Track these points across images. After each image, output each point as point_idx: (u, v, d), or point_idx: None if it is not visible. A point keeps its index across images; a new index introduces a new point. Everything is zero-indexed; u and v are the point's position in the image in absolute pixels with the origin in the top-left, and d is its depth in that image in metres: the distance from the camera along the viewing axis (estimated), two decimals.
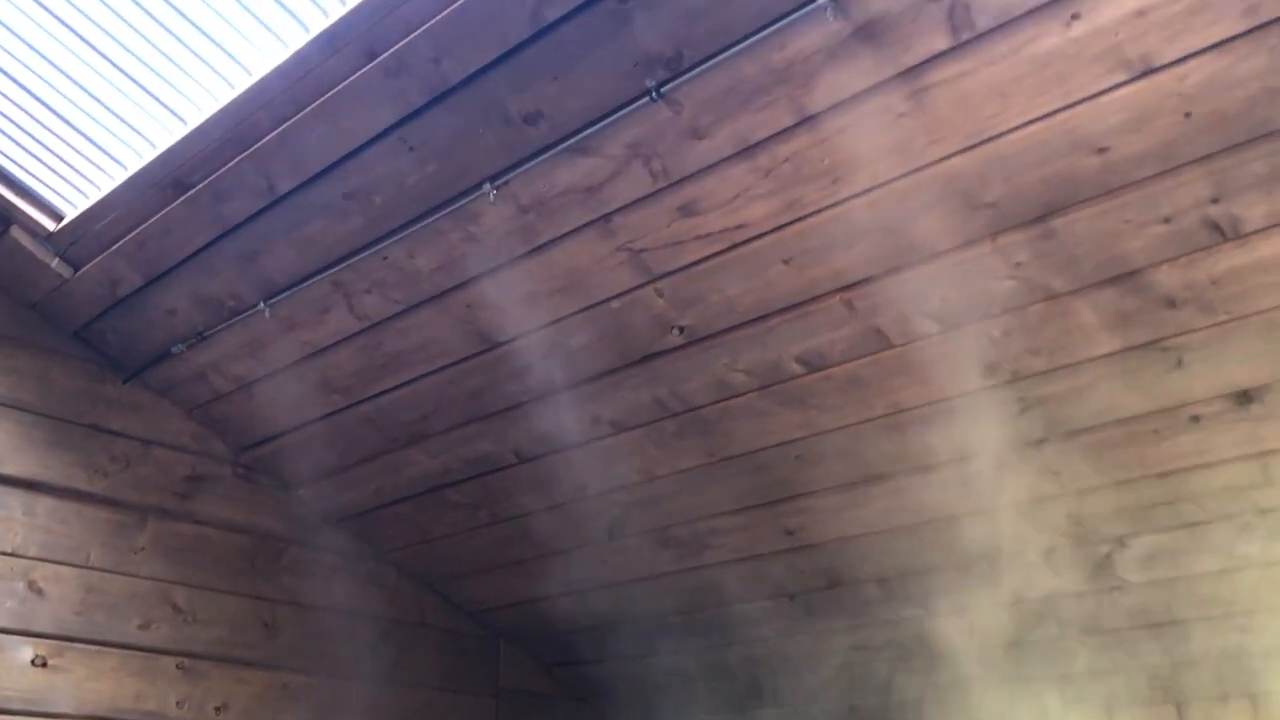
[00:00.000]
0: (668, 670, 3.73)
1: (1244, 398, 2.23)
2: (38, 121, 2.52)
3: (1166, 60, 1.78)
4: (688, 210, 2.24)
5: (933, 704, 3.35)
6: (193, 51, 2.27)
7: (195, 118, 2.41)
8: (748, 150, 2.10)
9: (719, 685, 3.73)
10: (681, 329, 2.51)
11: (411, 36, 2.06)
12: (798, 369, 2.52)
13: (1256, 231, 1.95)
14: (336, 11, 2.10)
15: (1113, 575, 2.74)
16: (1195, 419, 2.31)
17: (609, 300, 2.50)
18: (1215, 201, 1.93)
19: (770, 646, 3.48)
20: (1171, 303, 2.11)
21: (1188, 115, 1.83)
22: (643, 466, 2.97)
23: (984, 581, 2.88)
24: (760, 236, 2.25)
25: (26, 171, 2.67)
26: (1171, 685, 2.97)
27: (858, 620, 3.21)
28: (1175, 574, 2.67)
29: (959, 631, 3.06)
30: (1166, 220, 1.98)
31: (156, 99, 2.40)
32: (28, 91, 2.45)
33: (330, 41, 2.14)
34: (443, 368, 2.82)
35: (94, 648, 2.96)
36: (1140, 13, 1.73)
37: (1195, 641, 2.82)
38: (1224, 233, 1.97)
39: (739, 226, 2.24)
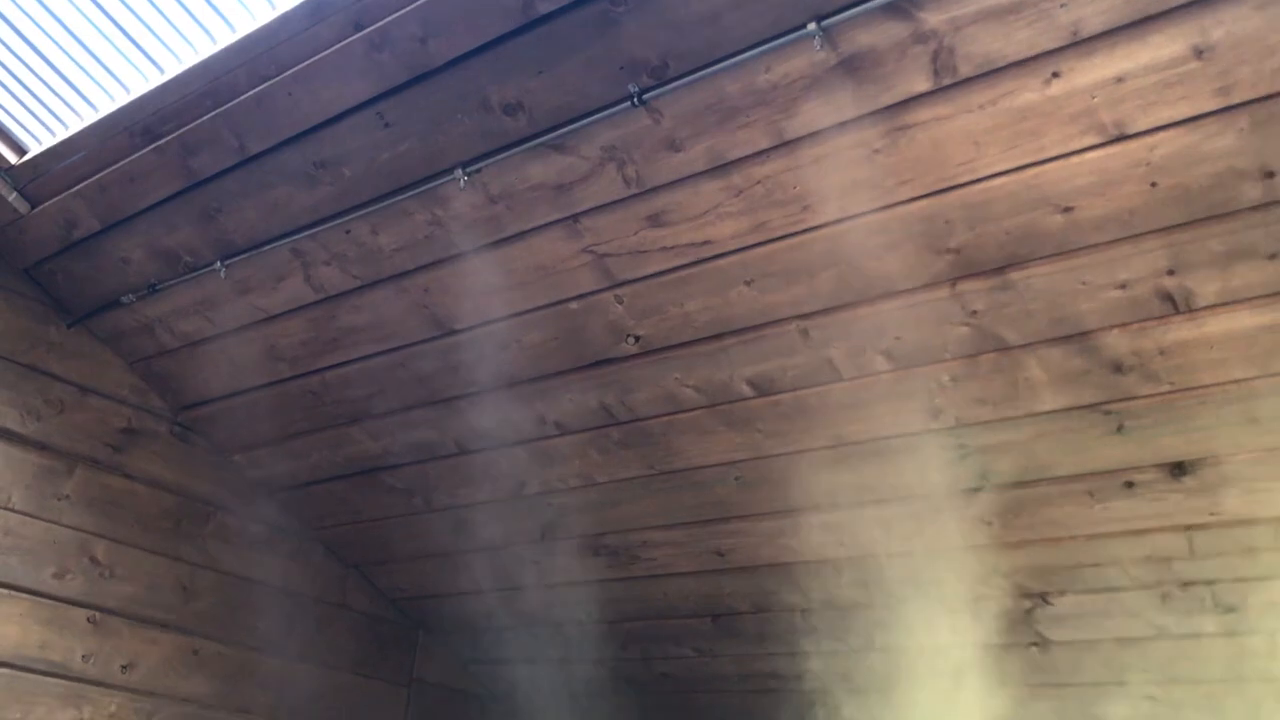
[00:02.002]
0: (584, 678, 3.72)
1: (1178, 469, 2.27)
2: (10, 51, 2.48)
3: (1138, 129, 1.81)
4: (656, 220, 2.25)
5: None
6: (178, 1, 2.25)
7: (173, 68, 2.38)
8: (722, 168, 2.10)
9: (634, 698, 3.73)
10: (637, 338, 2.51)
11: (400, 13, 2.05)
12: (747, 391, 2.53)
13: (1207, 307, 1.99)
14: None
15: (1032, 631, 2.77)
16: (1129, 485, 2.34)
17: (568, 301, 2.50)
18: (1171, 273, 1.97)
19: (689, 664, 3.48)
20: (1119, 368, 2.14)
21: (1153, 185, 1.86)
22: (583, 471, 2.97)
23: (905, 622, 2.89)
24: (725, 255, 2.26)
25: None
26: None
27: (777, 648, 3.22)
28: (1093, 636, 2.71)
29: (874, 670, 3.07)
30: (1122, 286, 2.01)
31: (136, 44, 2.38)
32: (3, 19, 2.42)
33: (318, 8, 2.12)
34: (393, 349, 2.80)
35: (4, 591, 2.90)
36: (1119, 79, 1.76)
37: (1104, 705, 2.86)
38: (1176, 305, 2.00)
39: (705, 243, 2.25)
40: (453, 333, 2.69)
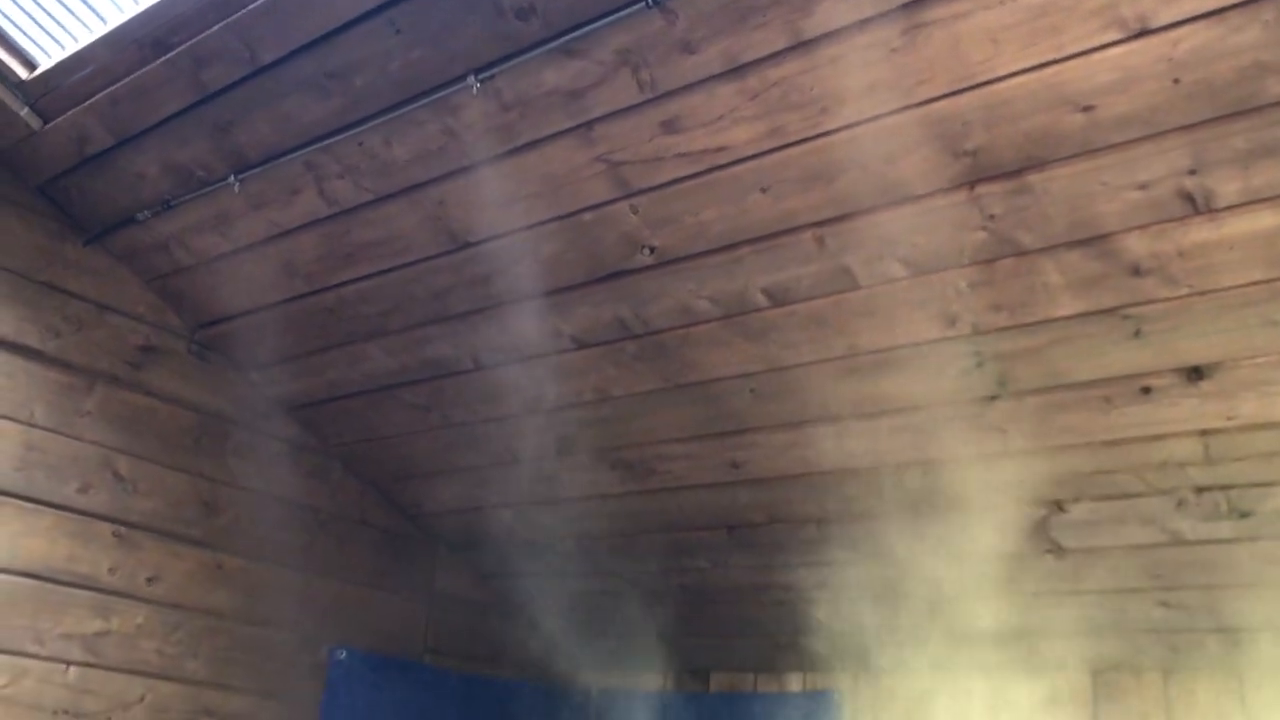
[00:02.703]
0: (601, 591, 3.77)
1: (1195, 374, 2.26)
2: None
3: (1161, 23, 1.78)
4: (671, 126, 2.22)
5: (858, 648, 3.41)
6: None
7: None
8: (737, 70, 2.08)
9: (651, 610, 3.77)
10: (652, 249, 2.51)
11: None
12: (762, 301, 2.52)
13: (1228, 207, 1.97)
14: None
15: (1047, 538, 2.78)
16: (1146, 390, 2.34)
17: (582, 211, 2.49)
18: (1192, 173, 1.94)
19: (704, 576, 3.52)
20: (1137, 271, 2.12)
21: (1176, 81, 1.83)
22: (599, 385, 2.98)
23: (919, 532, 2.92)
24: (740, 161, 2.24)
25: (2, 14, 2.61)
26: (1089, 652, 3.04)
27: (792, 559, 3.25)
28: (1107, 543, 2.72)
29: (888, 579, 3.10)
30: (1142, 187, 1.99)
31: None
32: None
33: None
34: (408, 264, 2.80)
35: (30, 505, 2.95)
36: None
37: (1117, 612, 2.88)
38: (1196, 205, 1.98)
39: (720, 149, 2.23)
40: (467, 246, 2.69)
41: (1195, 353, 2.23)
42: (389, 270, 2.84)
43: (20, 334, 2.97)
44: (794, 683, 3.72)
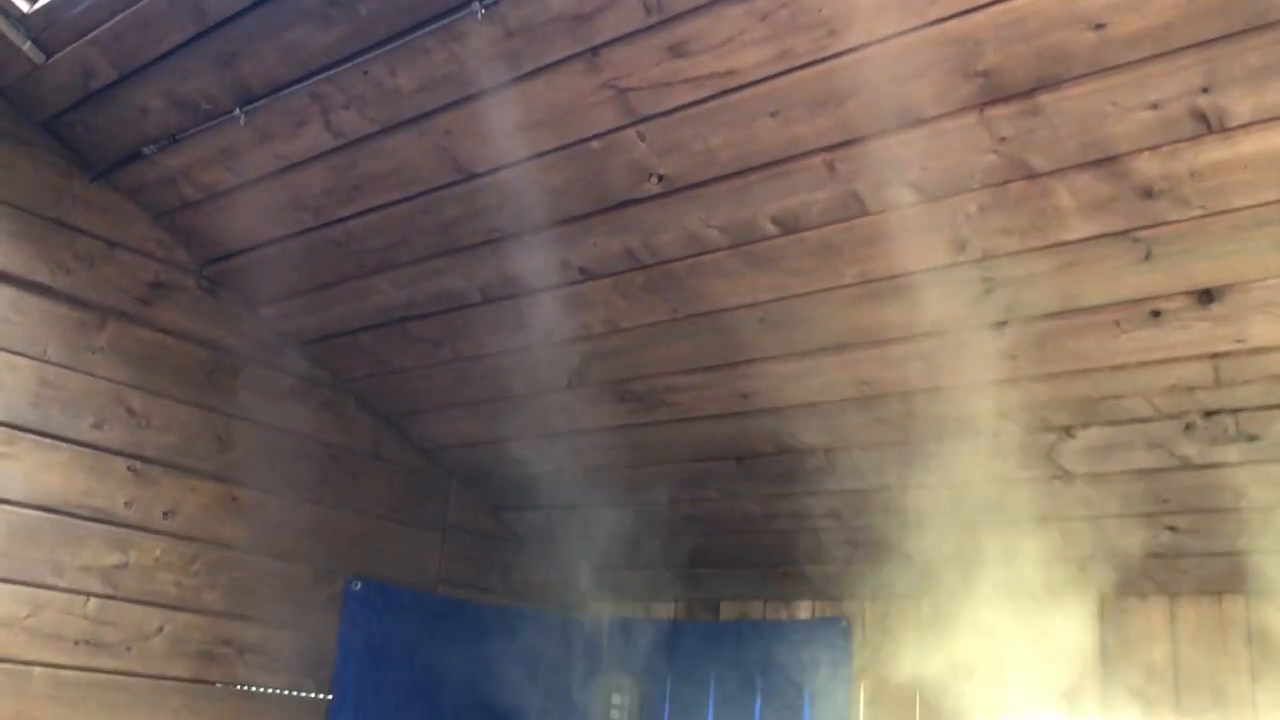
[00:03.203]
0: (611, 522, 3.80)
1: (1206, 296, 2.26)
2: None
3: None
4: (678, 51, 2.20)
5: (866, 575, 3.44)
6: None
7: None
8: None
9: (661, 540, 3.81)
10: (660, 177, 2.49)
11: None
12: (772, 229, 2.51)
13: (1241, 126, 1.95)
14: None
15: (1055, 465, 2.80)
16: (1156, 314, 2.33)
17: (589, 140, 2.47)
18: (1205, 91, 1.92)
19: (713, 506, 3.55)
20: (1148, 192, 2.11)
21: None
22: (607, 317, 2.98)
23: (928, 460, 2.93)
24: (749, 86, 2.22)
25: None
26: (1097, 577, 3.07)
27: (801, 488, 3.28)
28: (1115, 468, 2.74)
29: (897, 507, 3.12)
30: (1154, 106, 1.97)
31: None
32: None
33: None
34: (415, 195, 2.79)
35: (46, 440, 2.98)
36: None
37: (1124, 536, 2.91)
38: (1209, 124, 1.96)
39: (728, 73, 2.21)
40: (473, 177, 2.68)
41: (1206, 275, 2.23)
42: (396, 202, 2.84)
43: (31, 271, 2.98)
44: (803, 610, 3.77)
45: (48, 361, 3.00)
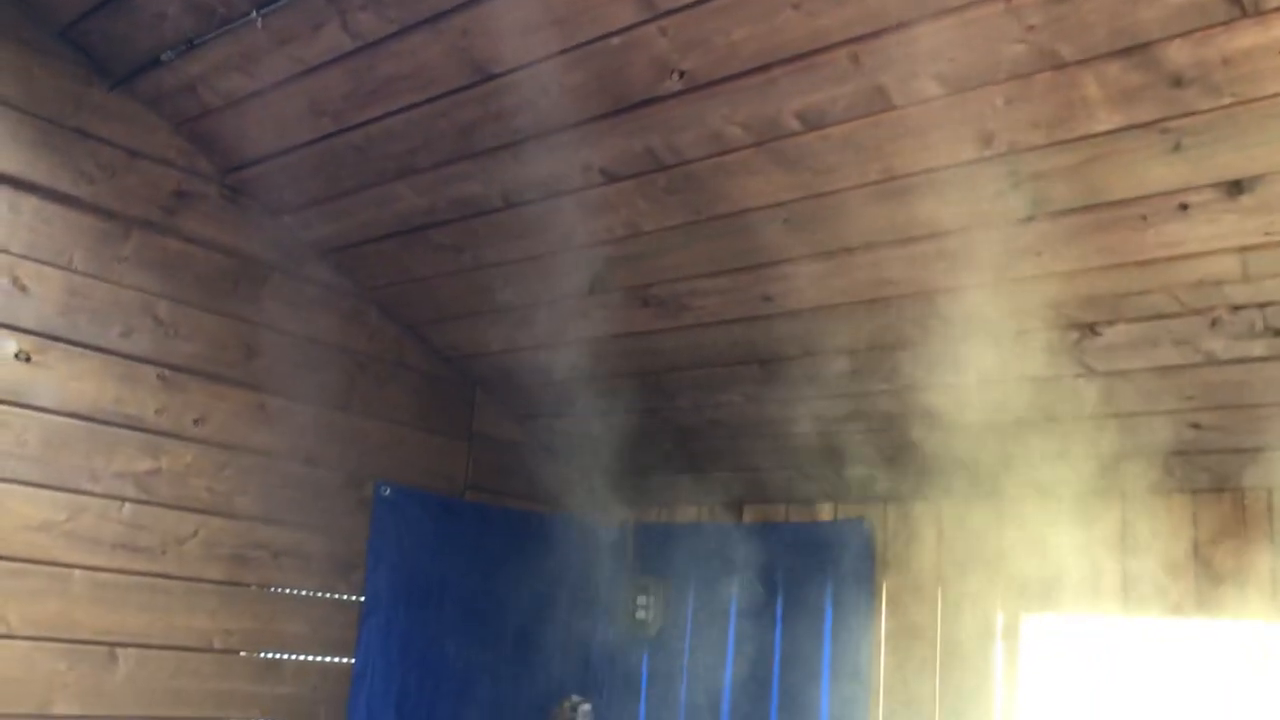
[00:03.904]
0: (636, 428, 3.83)
1: (1235, 188, 2.23)
2: None
3: None
4: None
5: (888, 477, 3.47)
6: None
7: None
8: None
9: (683, 445, 3.85)
10: (681, 74, 2.46)
11: None
12: (796, 126, 2.49)
13: (1277, 9, 1.90)
14: None
15: (1080, 362, 2.79)
16: (1184, 207, 2.31)
17: (609, 36, 2.43)
18: None
19: (737, 410, 3.57)
20: (1178, 81, 2.07)
21: None
22: (629, 220, 2.97)
23: (952, 360, 2.93)
24: None
25: None
26: (1120, 475, 3.08)
27: (824, 391, 3.29)
28: (1140, 365, 2.73)
29: (919, 408, 3.13)
30: None
31: None
32: None
33: None
34: (434, 98, 2.77)
35: (76, 349, 3.01)
36: None
37: (1148, 434, 2.91)
38: (1243, 7, 1.92)
39: None
40: (492, 77, 2.65)
41: (1236, 166, 2.20)
42: (415, 105, 2.81)
43: (54, 180, 2.99)
44: (825, 512, 3.81)
45: (74, 271, 3.02)
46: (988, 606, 3.36)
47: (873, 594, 3.60)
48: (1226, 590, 2.96)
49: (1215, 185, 2.25)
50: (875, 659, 3.56)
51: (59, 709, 2.92)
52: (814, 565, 3.70)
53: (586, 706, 3.14)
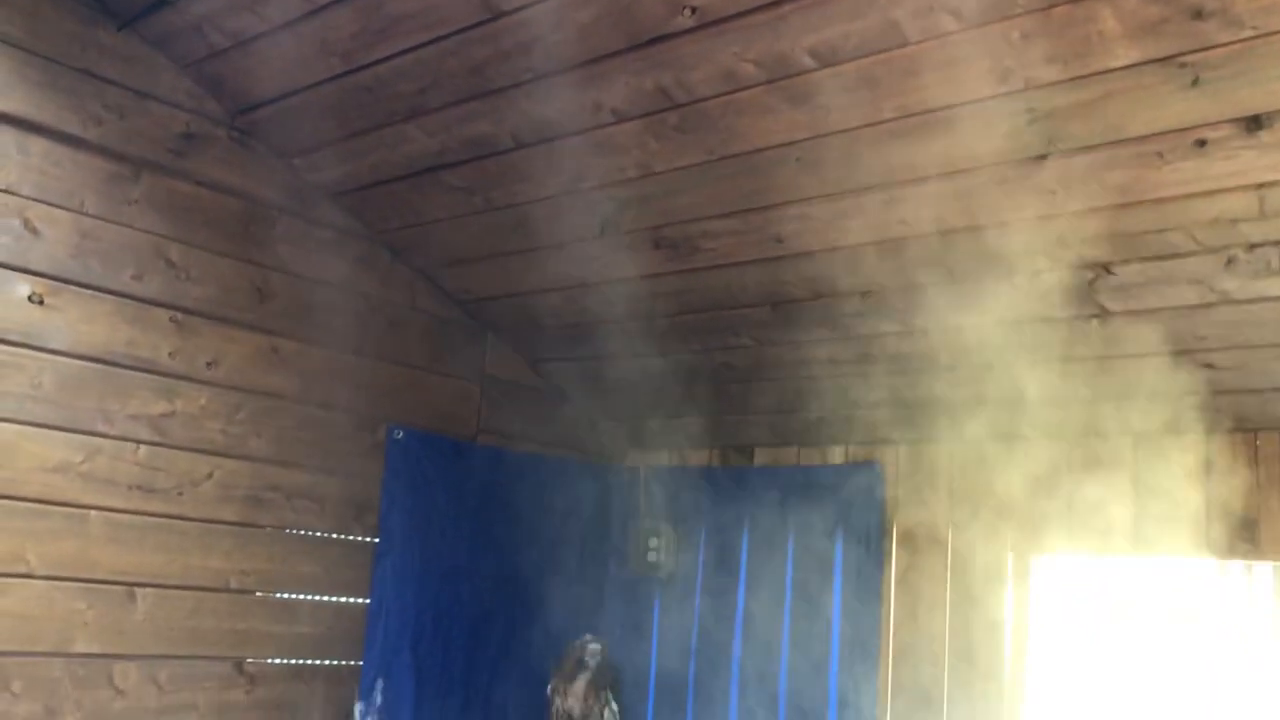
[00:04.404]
0: (647, 371, 3.84)
1: (1254, 123, 2.20)
2: None
3: None
4: None
5: (900, 419, 3.47)
6: None
7: None
8: None
9: (696, 388, 3.85)
10: (693, 9, 2.43)
11: None
12: (809, 63, 2.46)
13: None
14: None
15: (1093, 303, 2.78)
16: (1201, 143, 2.28)
17: None
18: None
19: (748, 353, 3.57)
20: (1199, 13, 2.04)
21: None
22: (641, 160, 2.95)
23: (964, 301, 2.93)
24: None
25: None
26: (1132, 416, 3.08)
27: (836, 333, 3.28)
28: (1154, 305, 2.72)
29: (931, 350, 3.13)
30: None
31: None
32: None
33: None
34: (444, 36, 2.74)
35: (88, 292, 3.02)
36: None
37: (1161, 374, 2.90)
38: None
39: None
40: (502, 15, 2.62)
41: (1255, 101, 2.17)
42: (425, 44, 2.79)
43: (61, 122, 2.97)
44: (837, 455, 3.82)
45: (85, 214, 3.02)
46: (998, 548, 3.37)
47: (883, 536, 3.62)
48: (1238, 531, 2.96)
49: (1233, 121, 2.22)
50: (886, 600, 3.58)
51: (79, 647, 2.96)
52: (825, 507, 3.71)
53: (595, 646, 3.18)
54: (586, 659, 3.16)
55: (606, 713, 3.15)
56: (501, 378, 4.08)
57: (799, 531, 3.80)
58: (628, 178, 3.03)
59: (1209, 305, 2.65)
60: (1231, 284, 2.57)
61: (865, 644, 3.59)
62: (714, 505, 4.02)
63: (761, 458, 4.03)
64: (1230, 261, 2.52)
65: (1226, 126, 2.23)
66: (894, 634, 3.56)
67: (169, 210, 3.18)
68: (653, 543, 4.13)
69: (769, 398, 3.76)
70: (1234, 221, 2.42)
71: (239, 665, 3.29)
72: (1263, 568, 2.95)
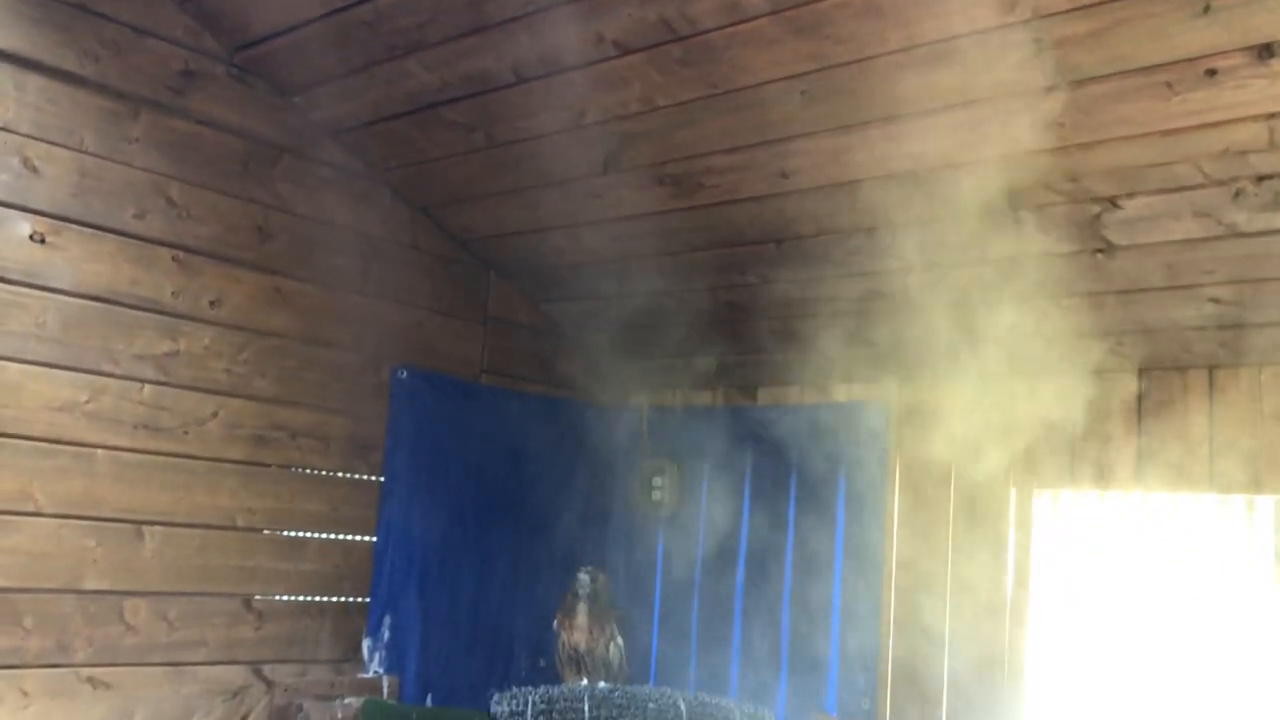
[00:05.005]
0: (650, 310, 3.83)
1: (1266, 51, 2.17)
2: None
3: None
4: None
5: (904, 356, 3.47)
6: None
7: None
8: None
9: (699, 328, 3.85)
10: None
11: None
12: None
13: None
14: None
15: (1099, 237, 2.77)
16: (1211, 73, 2.25)
17: None
18: None
19: (753, 292, 3.56)
20: None
21: None
22: (644, 95, 2.92)
23: (971, 236, 2.91)
24: None
25: None
26: (1137, 352, 3.08)
27: (841, 270, 3.27)
28: (1160, 239, 2.70)
29: (936, 286, 3.12)
30: None
31: None
32: None
33: None
34: None
35: (90, 230, 3.01)
36: None
37: (1167, 309, 2.90)
38: None
39: None
40: None
41: (1267, 28, 2.13)
42: None
43: (58, 59, 2.94)
44: (840, 393, 3.82)
45: (85, 152, 3.00)
46: (1001, 484, 3.38)
47: (886, 472, 3.63)
48: (1240, 468, 2.97)
49: (1245, 49, 2.19)
50: (888, 536, 3.60)
51: (90, 584, 2.99)
52: (828, 445, 3.72)
53: (584, 576, 3.21)
54: (578, 589, 3.20)
55: (612, 646, 3.18)
56: (504, 318, 4.08)
57: (802, 469, 3.82)
58: (630, 112, 3.00)
59: (1216, 238, 2.63)
60: (1239, 217, 2.55)
61: (868, 579, 3.62)
62: (717, 444, 4.03)
63: (765, 397, 4.03)
64: (1238, 194, 2.50)
65: (1237, 55, 2.20)
66: (897, 570, 3.58)
67: (169, 148, 3.16)
68: (656, 481, 4.16)
69: (772, 336, 3.75)
70: (1243, 153, 2.40)
71: (247, 602, 3.32)
72: (1264, 502, 2.96)
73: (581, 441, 4.15)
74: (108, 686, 3.01)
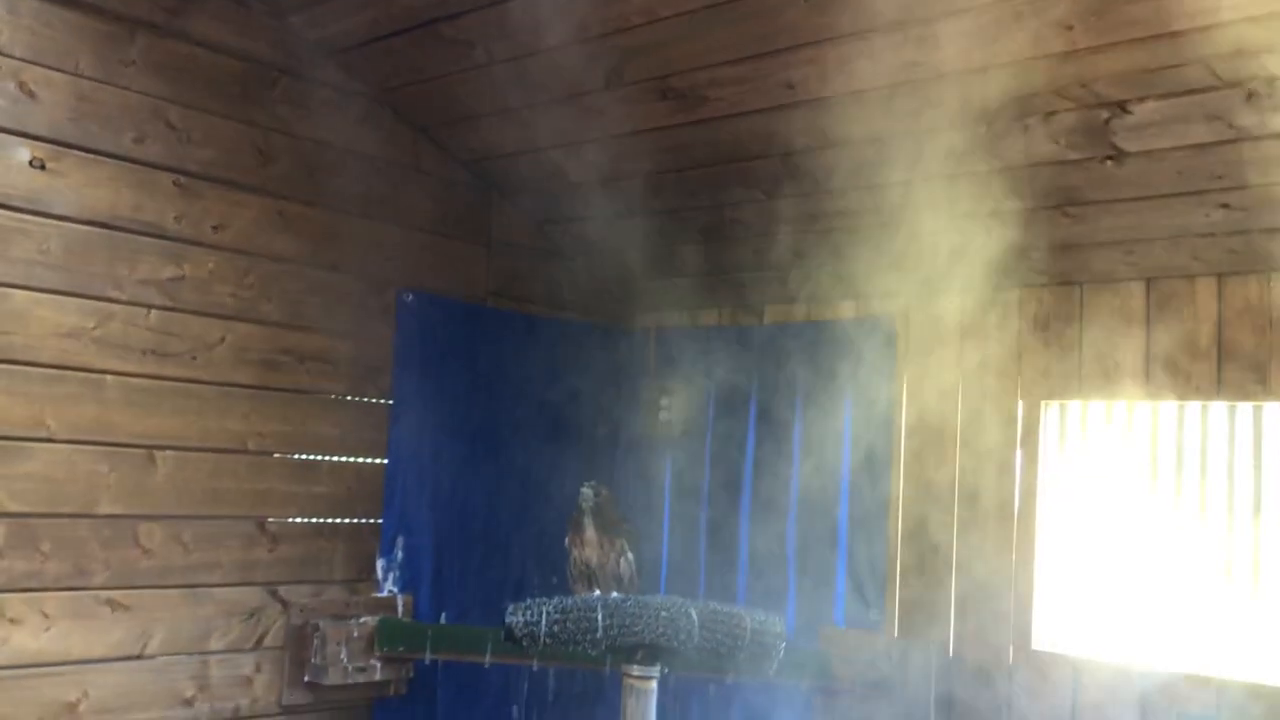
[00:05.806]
0: (655, 229, 3.81)
1: None
2: None
3: None
4: None
5: (911, 272, 3.45)
6: None
7: None
8: None
9: (705, 247, 3.83)
10: None
11: None
12: None
13: None
14: None
15: (1108, 143, 2.73)
16: None
17: None
18: None
19: (758, 208, 3.54)
20: None
21: None
22: (645, 6, 2.87)
23: (978, 146, 2.89)
24: None
25: None
26: (1145, 259, 3.07)
27: (848, 184, 3.24)
28: (1170, 144, 2.67)
29: (943, 199, 3.09)
30: None
31: None
32: None
33: None
34: None
35: (90, 156, 2.98)
36: None
37: (1175, 216, 2.88)
38: None
39: None
40: None
41: None
42: None
43: None
44: (847, 310, 3.82)
45: (82, 76, 2.96)
46: (1008, 397, 3.39)
47: (893, 391, 3.64)
48: (1248, 375, 2.97)
49: None
50: (896, 452, 3.62)
51: (104, 509, 3.02)
52: (835, 362, 3.72)
53: (586, 490, 3.23)
54: (581, 503, 3.22)
55: (623, 561, 3.22)
56: (509, 240, 4.06)
57: (809, 387, 3.82)
58: (632, 25, 2.95)
59: (1226, 142, 2.60)
60: (1250, 119, 2.52)
61: (874, 495, 3.64)
62: (723, 364, 4.03)
63: (771, 316, 4.02)
64: (1250, 96, 2.46)
65: None
66: (904, 484, 3.60)
67: (167, 71, 3.13)
68: (663, 402, 4.17)
69: (779, 254, 3.73)
70: (1255, 53, 2.36)
71: (261, 524, 3.35)
72: (1273, 408, 2.96)
73: (588, 363, 4.15)
74: (126, 609, 3.05)
